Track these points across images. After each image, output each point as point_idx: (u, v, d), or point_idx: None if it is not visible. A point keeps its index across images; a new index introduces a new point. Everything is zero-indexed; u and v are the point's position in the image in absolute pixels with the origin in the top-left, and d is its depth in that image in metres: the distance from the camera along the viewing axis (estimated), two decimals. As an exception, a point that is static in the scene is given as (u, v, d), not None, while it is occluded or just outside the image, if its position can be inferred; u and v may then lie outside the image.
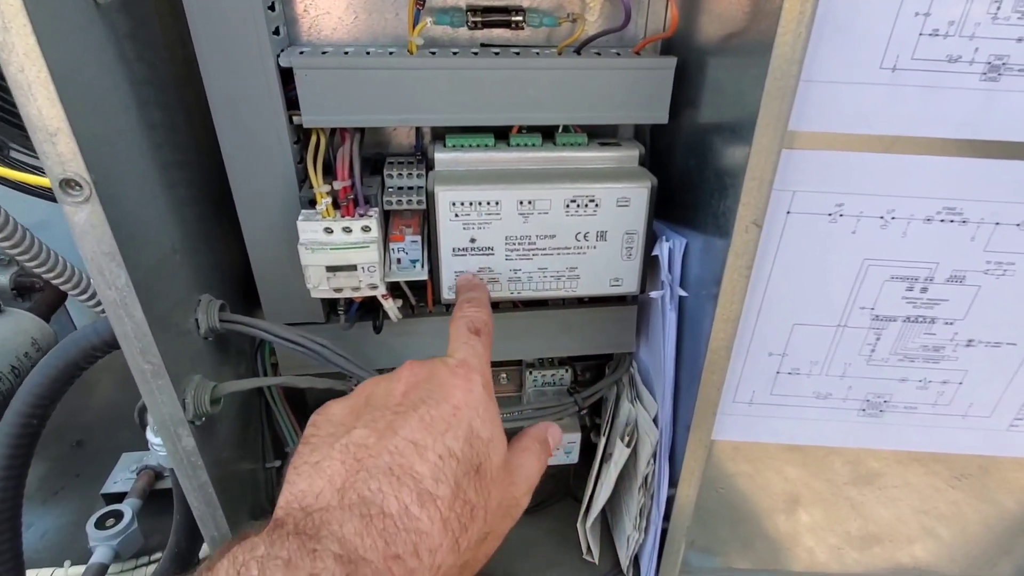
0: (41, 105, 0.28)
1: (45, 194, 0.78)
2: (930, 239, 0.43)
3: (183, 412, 0.38)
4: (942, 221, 0.42)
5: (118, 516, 0.64)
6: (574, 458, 0.61)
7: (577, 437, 0.60)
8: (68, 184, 0.29)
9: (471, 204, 0.45)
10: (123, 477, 0.72)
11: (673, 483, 0.53)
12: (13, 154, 0.78)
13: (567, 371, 0.62)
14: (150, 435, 0.43)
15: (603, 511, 0.62)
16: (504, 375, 0.64)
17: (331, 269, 0.44)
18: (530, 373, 0.62)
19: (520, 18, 0.46)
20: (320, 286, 0.45)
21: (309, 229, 0.43)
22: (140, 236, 0.36)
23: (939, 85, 0.37)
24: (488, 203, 0.45)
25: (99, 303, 0.60)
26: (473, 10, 0.46)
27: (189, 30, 0.40)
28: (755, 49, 0.36)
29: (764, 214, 0.37)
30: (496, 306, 0.55)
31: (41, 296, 0.81)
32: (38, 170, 0.78)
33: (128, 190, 0.36)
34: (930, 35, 0.36)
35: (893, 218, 0.42)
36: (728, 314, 0.40)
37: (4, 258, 0.83)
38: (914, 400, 0.51)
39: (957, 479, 0.58)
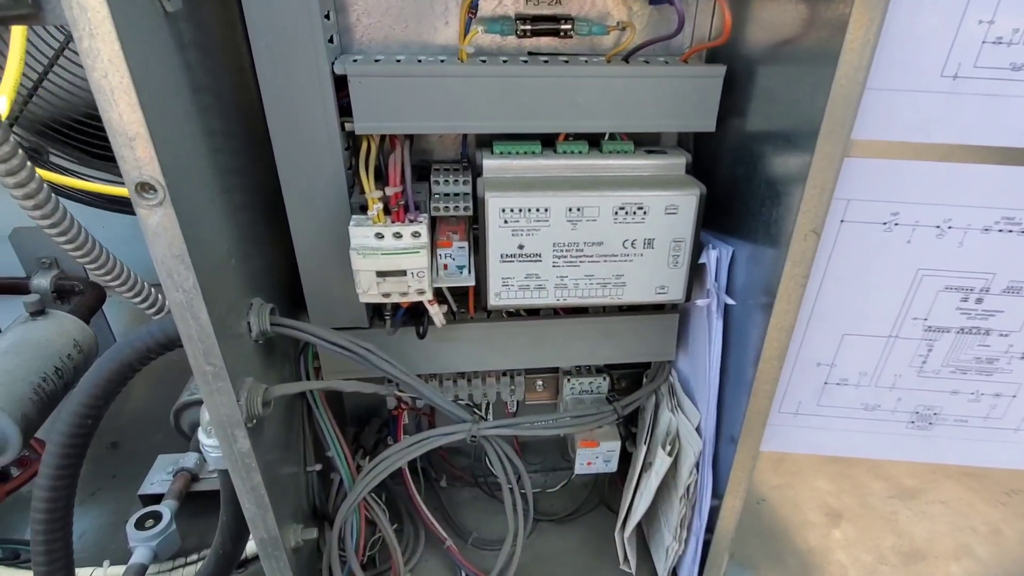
0: (123, 110, 0.28)
1: (82, 198, 0.80)
2: (987, 249, 0.42)
3: (240, 413, 0.39)
4: (1000, 231, 0.41)
5: (157, 517, 0.64)
6: (613, 467, 0.61)
7: (616, 446, 0.60)
8: (144, 187, 0.30)
9: (520, 211, 0.45)
10: (159, 479, 0.73)
11: (716, 494, 0.52)
12: (52, 159, 0.80)
13: (605, 379, 0.62)
14: (202, 436, 0.44)
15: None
16: (540, 382, 0.64)
17: (381, 274, 0.45)
18: (568, 381, 0.62)
19: (569, 27, 0.46)
20: (370, 291, 0.45)
21: (360, 234, 0.44)
22: (202, 240, 0.37)
23: (1002, 93, 0.37)
24: (537, 210, 0.45)
25: (143, 298, 0.60)
26: (522, 19, 0.46)
27: (245, 38, 0.41)
28: (812, 58, 0.36)
29: (823, 222, 0.36)
30: (537, 313, 0.55)
31: (81, 299, 0.83)
32: (76, 174, 0.80)
33: (191, 195, 0.36)
34: (993, 43, 0.36)
35: (950, 227, 0.42)
36: (783, 323, 0.40)
37: (46, 261, 0.85)
38: (965, 413, 0.50)
39: (1007, 495, 0.57)
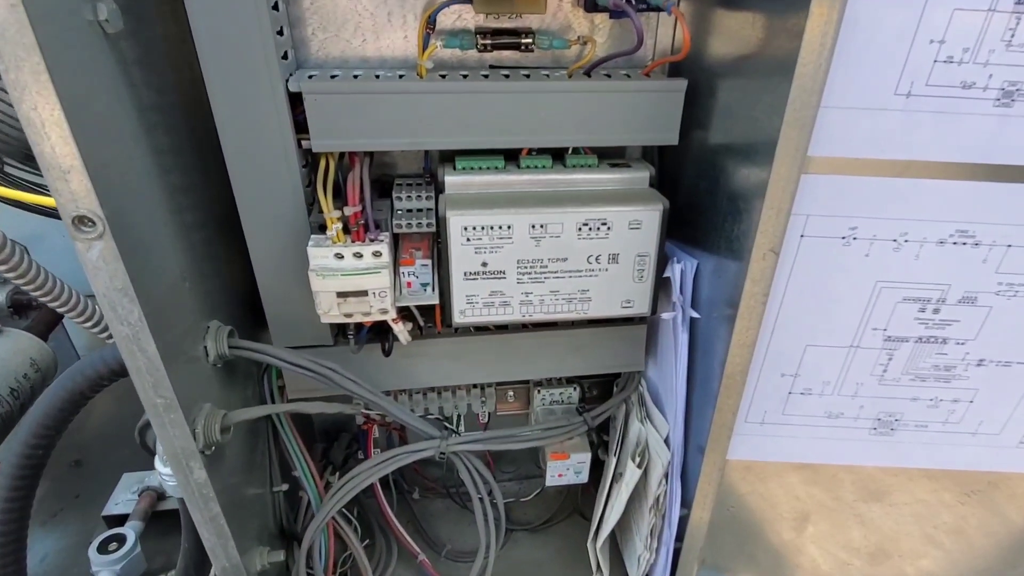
0: (55, 143, 0.27)
1: (42, 210, 0.77)
2: (942, 261, 0.43)
3: (195, 444, 0.38)
4: (955, 244, 0.42)
5: (121, 540, 0.63)
6: (584, 478, 0.61)
7: (587, 457, 0.60)
8: (81, 221, 0.29)
9: (483, 228, 0.44)
10: (124, 499, 0.71)
11: (685, 503, 0.52)
12: (8, 169, 0.77)
13: (575, 389, 0.62)
14: (159, 465, 0.43)
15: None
16: (511, 393, 0.64)
17: (342, 295, 0.44)
18: (538, 392, 0.61)
19: (530, 40, 0.46)
20: (331, 312, 0.44)
21: (319, 255, 0.43)
22: (151, 266, 0.36)
23: (953, 111, 0.37)
24: (500, 227, 0.44)
25: (94, 323, 0.59)
26: (483, 32, 0.45)
27: (196, 54, 0.39)
28: (769, 73, 0.36)
29: (781, 241, 0.36)
30: (505, 327, 0.54)
31: (38, 315, 0.80)
32: (35, 187, 0.77)
33: (138, 220, 0.35)
34: (944, 62, 0.36)
35: (906, 241, 0.42)
36: (744, 339, 0.40)
37: (0, 276, 0.82)
38: (925, 418, 0.51)
39: (967, 495, 0.58)
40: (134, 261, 0.33)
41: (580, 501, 0.72)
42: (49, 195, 0.77)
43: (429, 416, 0.59)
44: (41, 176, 0.75)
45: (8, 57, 0.25)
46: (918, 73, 0.36)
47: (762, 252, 0.37)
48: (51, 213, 0.77)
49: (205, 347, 0.43)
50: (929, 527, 0.66)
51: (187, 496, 0.39)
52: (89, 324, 0.56)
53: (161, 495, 0.71)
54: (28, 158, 0.73)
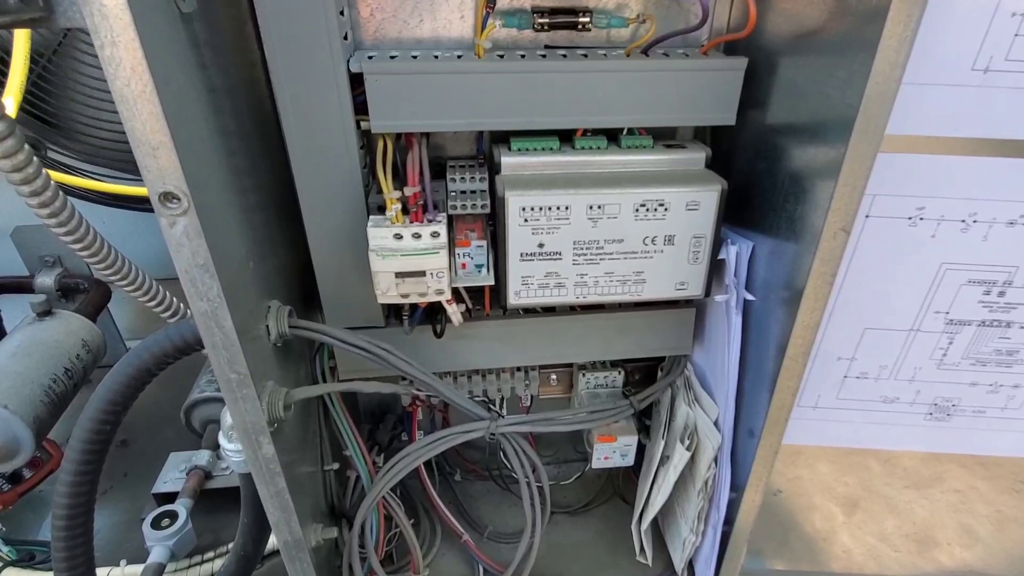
0: (145, 119, 0.27)
1: (82, 194, 0.78)
2: (1012, 243, 0.42)
3: (264, 420, 0.38)
4: (1025, 224, 0.41)
5: (173, 516, 0.64)
6: (630, 461, 0.61)
7: (633, 440, 0.60)
8: (167, 197, 0.29)
9: (541, 209, 0.44)
10: (172, 477, 0.73)
11: (734, 487, 0.52)
12: (50, 154, 0.78)
13: (619, 373, 0.62)
14: (223, 441, 0.43)
15: (655, 513, 0.62)
16: (554, 376, 0.64)
17: (400, 275, 0.44)
18: (583, 375, 0.61)
19: (587, 19, 0.45)
20: (389, 292, 0.45)
21: (379, 235, 0.43)
22: (222, 246, 0.36)
23: (1033, 86, 0.37)
24: (558, 208, 0.44)
25: (151, 298, 0.59)
26: (540, 12, 0.45)
27: (255, 35, 0.40)
28: (842, 48, 0.35)
29: (853, 220, 0.36)
30: (553, 309, 0.54)
31: (86, 297, 0.82)
32: (74, 170, 0.78)
33: (211, 199, 0.35)
34: (1026, 35, 0.35)
35: (975, 221, 0.41)
36: (809, 320, 0.40)
37: (50, 259, 0.84)
38: (983, 404, 0.50)
39: (1022, 482, 0.57)
40: (210, 239, 0.33)
41: (620, 484, 0.72)
42: (89, 177, 0.78)
43: (476, 398, 0.60)
44: (75, 158, 0.76)
45: (104, 33, 0.25)
46: (998, 48, 0.36)
47: (833, 231, 0.36)
48: (91, 198, 0.78)
49: (267, 326, 0.43)
50: (971, 517, 0.65)
51: (255, 471, 0.40)
52: (145, 297, 0.56)
53: (208, 474, 0.72)
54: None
